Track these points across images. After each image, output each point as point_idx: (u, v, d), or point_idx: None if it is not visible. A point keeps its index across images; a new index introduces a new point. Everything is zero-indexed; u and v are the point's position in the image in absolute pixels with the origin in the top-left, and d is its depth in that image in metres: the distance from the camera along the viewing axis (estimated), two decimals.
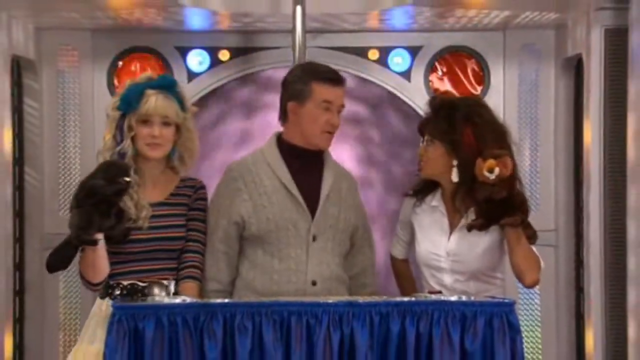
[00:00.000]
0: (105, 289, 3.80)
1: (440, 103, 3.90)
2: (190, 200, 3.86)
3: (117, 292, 3.77)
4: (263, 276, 3.83)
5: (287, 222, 3.81)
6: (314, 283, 3.80)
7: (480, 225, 3.73)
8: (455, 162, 3.77)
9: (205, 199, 3.91)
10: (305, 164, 3.89)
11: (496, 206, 3.68)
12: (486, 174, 3.65)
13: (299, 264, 3.81)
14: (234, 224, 3.87)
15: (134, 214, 3.74)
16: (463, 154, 3.75)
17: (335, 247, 3.88)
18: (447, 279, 3.80)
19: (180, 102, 3.84)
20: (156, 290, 3.74)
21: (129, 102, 3.78)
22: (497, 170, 3.64)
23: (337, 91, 3.87)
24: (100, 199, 3.55)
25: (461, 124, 3.78)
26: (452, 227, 3.84)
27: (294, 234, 3.82)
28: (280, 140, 3.94)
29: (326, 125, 3.86)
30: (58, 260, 3.64)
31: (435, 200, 3.88)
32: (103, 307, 3.78)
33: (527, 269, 3.75)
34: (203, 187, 3.92)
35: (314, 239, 3.83)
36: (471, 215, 3.79)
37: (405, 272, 4.06)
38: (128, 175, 3.60)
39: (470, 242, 3.80)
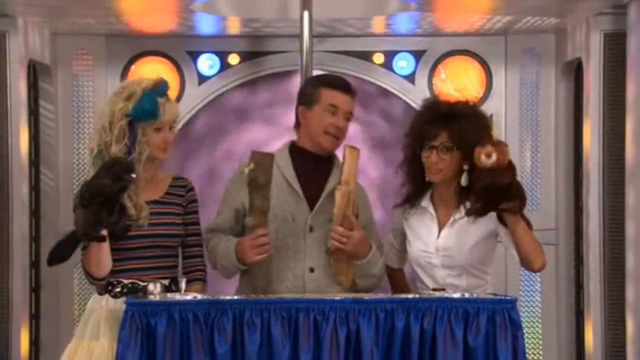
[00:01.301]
0: (104, 286, 3.83)
1: (450, 110, 3.87)
2: (184, 200, 3.93)
3: (118, 289, 3.81)
4: (263, 263, 3.88)
5: (286, 213, 3.88)
6: (311, 270, 3.86)
7: (479, 210, 3.72)
8: (466, 167, 3.78)
9: (196, 201, 3.98)
10: (314, 166, 3.94)
11: (495, 193, 3.67)
12: (483, 160, 3.66)
13: (296, 252, 3.87)
14: (234, 211, 3.95)
15: (135, 214, 3.78)
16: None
17: None
18: (439, 274, 3.82)
19: None
20: (151, 287, 3.75)
21: (148, 112, 3.82)
22: (494, 156, 3.65)
23: (345, 97, 3.93)
24: (107, 198, 3.63)
25: (482, 131, 3.79)
26: (441, 225, 3.87)
27: (291, 225, 3.87)
28: (292, 145, 4.02)
29: (330, 127, 3.91)
30: (60, 255, 3.72)
31: (424, 202, 3.90)
32: (103, 303, 3.81)
33: (534, 254, 3.74)
34: (193, 187, 3.98)
35: (311, 229, 3.88)
36: (461, 213, 3.81)
37: (400, 280, 4.07)
38: (133, 172, 3.68)
39: (460, 237, 3.82)
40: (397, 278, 4.08)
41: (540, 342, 5.58)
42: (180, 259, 4.00)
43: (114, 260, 3.79)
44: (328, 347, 3.41)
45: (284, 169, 3.94)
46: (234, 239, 3.92)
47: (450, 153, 3.80)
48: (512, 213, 3.71)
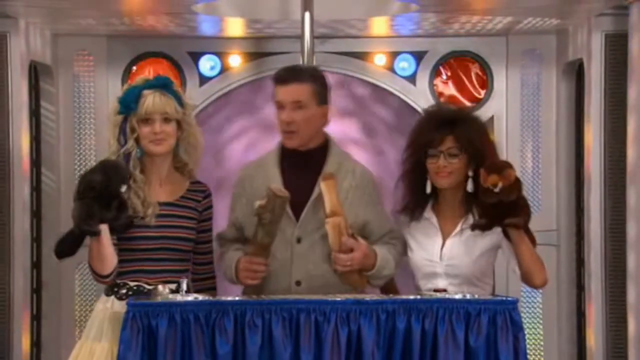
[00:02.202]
0: (111, 287, 3.83)
1: (453, 115, 3.86)
2: (200, 206, 3.91)
3: (123, 291, 3.80)
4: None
5: None
6: (298, 283, 3.81)
7: (484, 225, 3.73)
8: (470, 174, 3.79)
9: (211, 207, 3.96)
10: (303, 166, 3.88)
11: (501, 208, 3.68)
12: (490, 187, 3.65)
13: (284, 266, 3.82)
14: (232, 226, 3.96)
15: (141, 211, 3.78)
16: (481, 164, 3.75)
17: (326, 248, 3.82)
18: (442, 283, 3.81)
19: (178, 98, 3.88)
20: (160, 288, 3.74)
21: (128, 105, 3.82)
22: (500, 184, 3.64)
23: (285, 89, 3.84)
24: (99, 193, 3.63)
25: (486, 136, 3.82)
26: (445, 235, 3.86)
27: (280, 237, 3.81)
28: (282, 146, 3.96)
29: (281, 124, 3.86)
30: (64, 249, 3.73)
31: (426, 212, 3.89)
32: (108, 305, 3.81)
33: (536, 270, 3.77)
34: (210, 194, 3.96)
35: (299, 241, 3.83)
36: (468, 222, 3.81)
37: (392, 287, 4.06)
38: (126, 182, 3.67)
39: (465, 248, 3.83)
40: (388, 285, 4.05)
41: (541, 343, 5.58)
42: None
43: (122, 261, 3.79)
44: (329, 348, 3.43)
45: (271, 175, 3.89)
46: (238, 253, 3.89)
47: (457, 157, 3.80)
48: (517, 228, 3.72)
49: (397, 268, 3.96)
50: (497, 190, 3.64)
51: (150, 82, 3.89)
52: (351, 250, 3.78)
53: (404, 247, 3.95)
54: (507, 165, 3.71)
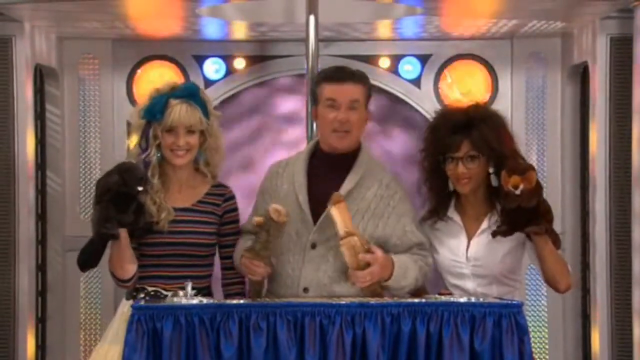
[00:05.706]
0: (130, 292, 3.83)
1: (466, 117, 3.79)
2: (220, 209, 3.86)
3: (141, 296, 3.78)
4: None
5: (290, 228, 3.76)
6: (305, 290, 3.76)
7: (505, 231, 3.69)
8: (491, 170, 3.75)
9: (234, 210, 3.91)
10: (330, 169, 3.82)
11: (522, 214, 3.64)
12: (511, 188, 3.61)
13: (294, 270, 3.78)
14: (250, 220, 3.91)
15: (156, 215, 3.76)
16: (502, 160, 3.72)
17: (339, 258, 3.75)
18: (470, 284, 3.78)
19: (204, 108, 3.85)
20: (181, 294, 3.68)
21: (154, 113, 3.79)
22: (522, 186, 3.60)
23: (341, 87, 3.79)
24: (115, 195, 3.61)
25: (503, 131, 3.78)
26: (469, 234, 3.82)
27: (294, 240, 3.78)
28: (316, 144, 3.91)
29: (333, 123, 3.77)
30: (86, 259, 3.72)
31: (449, 211, 3.85)
32: (125, 310, 3.80)
33: (560, 275, 3.74)
34: (232, 197, 3.90)
35: (313, 246, 3.77)
36: (493, 219, 3.78)
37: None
38: (142, 184, 3.64)
39: (491, 247, 3.78)
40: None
41: (547, 347, 5.58)
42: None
43: (141, 266, 3.78)
44: (334, 350, 3.43)
45: (296, 176, 3.84)
46: (248, 243, 3.84)
47: (476, 161, 3.76)
48: (539, 235, 3.68)
49: (419, 281, 3.86)
50: (518, 192, 3.60)
51: (178, 91, 3.84)
52: (368, 264, 3.71)
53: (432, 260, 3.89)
54: (529, 167, 3.66)
